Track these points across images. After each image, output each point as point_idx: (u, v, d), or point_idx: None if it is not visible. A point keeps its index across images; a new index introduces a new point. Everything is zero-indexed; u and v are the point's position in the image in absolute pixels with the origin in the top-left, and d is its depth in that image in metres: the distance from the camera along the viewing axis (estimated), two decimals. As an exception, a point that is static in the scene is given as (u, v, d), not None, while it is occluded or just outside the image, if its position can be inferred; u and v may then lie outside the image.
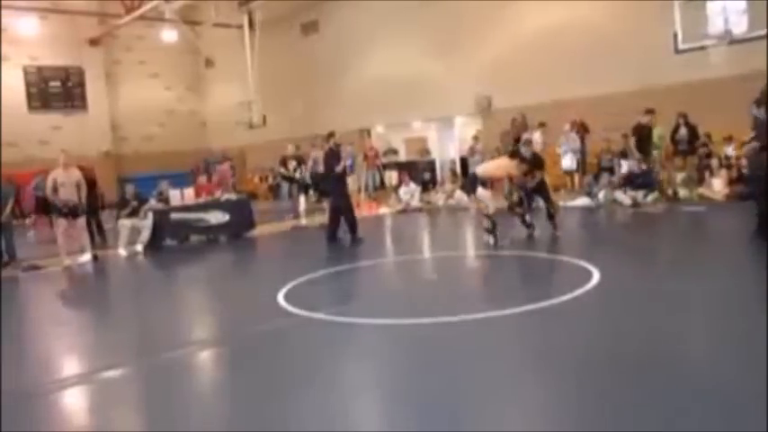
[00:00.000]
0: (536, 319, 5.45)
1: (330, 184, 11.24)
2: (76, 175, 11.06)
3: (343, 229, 10.91)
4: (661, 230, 10.76)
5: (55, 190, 10.79)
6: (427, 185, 17.66)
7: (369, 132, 22.06)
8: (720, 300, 5.72)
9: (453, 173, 17.72)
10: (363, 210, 15.14)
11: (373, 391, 4.29)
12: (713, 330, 4.99)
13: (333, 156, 10.94)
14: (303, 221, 14.62)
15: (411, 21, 20.19)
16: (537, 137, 16.00)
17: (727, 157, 13.08)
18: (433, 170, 19.39)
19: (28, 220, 17.80)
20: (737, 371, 3.98)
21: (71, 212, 10.85)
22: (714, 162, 12.96)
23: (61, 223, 10.92)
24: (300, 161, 15.47)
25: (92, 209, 12.98)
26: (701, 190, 12.65)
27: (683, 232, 10.40)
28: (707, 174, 12.91)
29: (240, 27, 22.39)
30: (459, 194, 14.98)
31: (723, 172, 12.58)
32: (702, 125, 13.08)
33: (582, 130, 15.68)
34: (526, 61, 17.28)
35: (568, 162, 15.38)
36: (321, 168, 14.24)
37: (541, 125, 16.03)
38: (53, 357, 5.85)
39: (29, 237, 15.84)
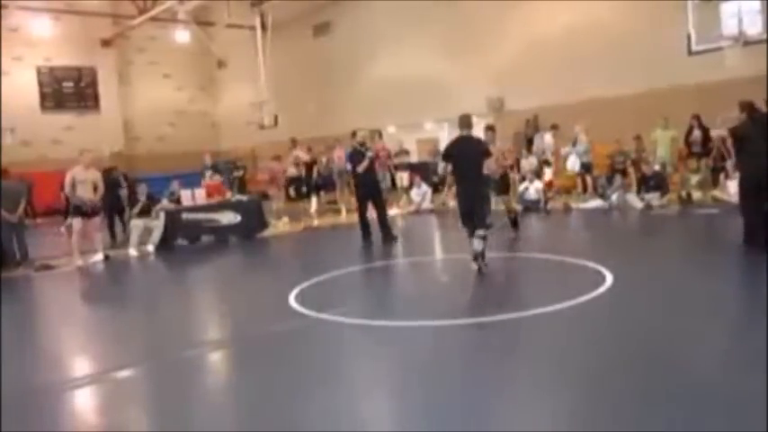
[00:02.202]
0: (547, 323, 5.42)
1: (357, 183, 11.32)
2: (95, 174, 11.10)
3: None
4: (674, 233, 10.68)
5: (73, 188, 10.83)
6: (438, 187, 17.59)
7: (380, 133, 22.00)
8: (727, 301, 5.67)
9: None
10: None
11: (383, 392, 4.28)
12: (720, 332, 4.97)
13: (355, 154, 11.05)
14: (315, 222, 14.64)
15: (423, 22, 20.17)
16: (548, 138, 15.93)
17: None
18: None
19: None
20: (741, 371, 3.98)
21: (88, 212, 10.90)
22: (728, 164, 12.83)
23: (77, 222, 10.96)
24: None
25: (118, 208, 13.09)
26: (715, 192, 12.54)
27: (696, 235, 10.32)
28: (721, 176, 12.80)
29: (252, 28, 22.49)
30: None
31: (737, 174, 12.43)
32: (716, 127, 12.94)
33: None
34: (538, 63, 17.21)
35: (579, 164, 15.27)
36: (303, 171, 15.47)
37: (554, 127, 15.94)
38: (64, 357, 5.88)
39: (48, 237, 15.89)
